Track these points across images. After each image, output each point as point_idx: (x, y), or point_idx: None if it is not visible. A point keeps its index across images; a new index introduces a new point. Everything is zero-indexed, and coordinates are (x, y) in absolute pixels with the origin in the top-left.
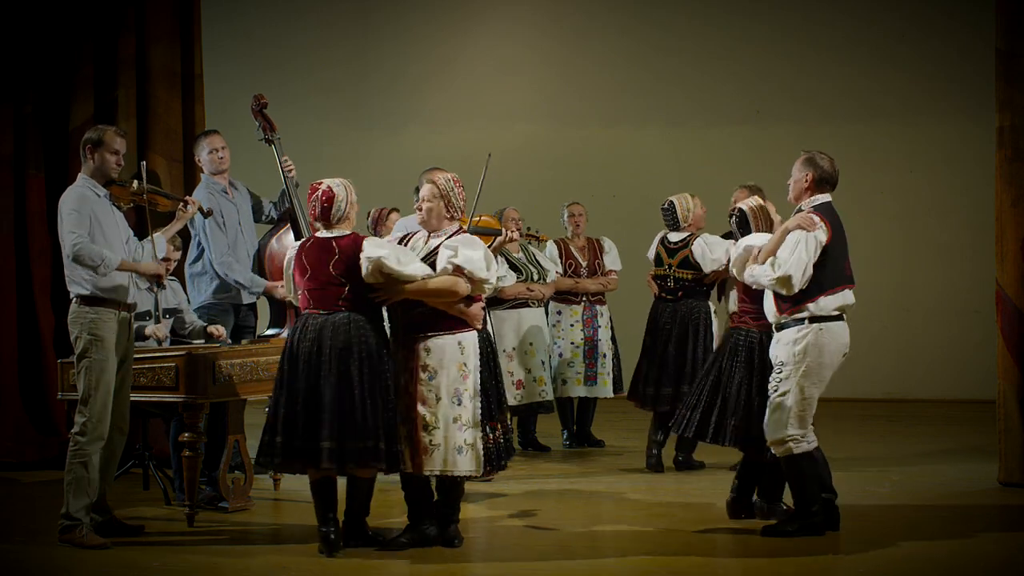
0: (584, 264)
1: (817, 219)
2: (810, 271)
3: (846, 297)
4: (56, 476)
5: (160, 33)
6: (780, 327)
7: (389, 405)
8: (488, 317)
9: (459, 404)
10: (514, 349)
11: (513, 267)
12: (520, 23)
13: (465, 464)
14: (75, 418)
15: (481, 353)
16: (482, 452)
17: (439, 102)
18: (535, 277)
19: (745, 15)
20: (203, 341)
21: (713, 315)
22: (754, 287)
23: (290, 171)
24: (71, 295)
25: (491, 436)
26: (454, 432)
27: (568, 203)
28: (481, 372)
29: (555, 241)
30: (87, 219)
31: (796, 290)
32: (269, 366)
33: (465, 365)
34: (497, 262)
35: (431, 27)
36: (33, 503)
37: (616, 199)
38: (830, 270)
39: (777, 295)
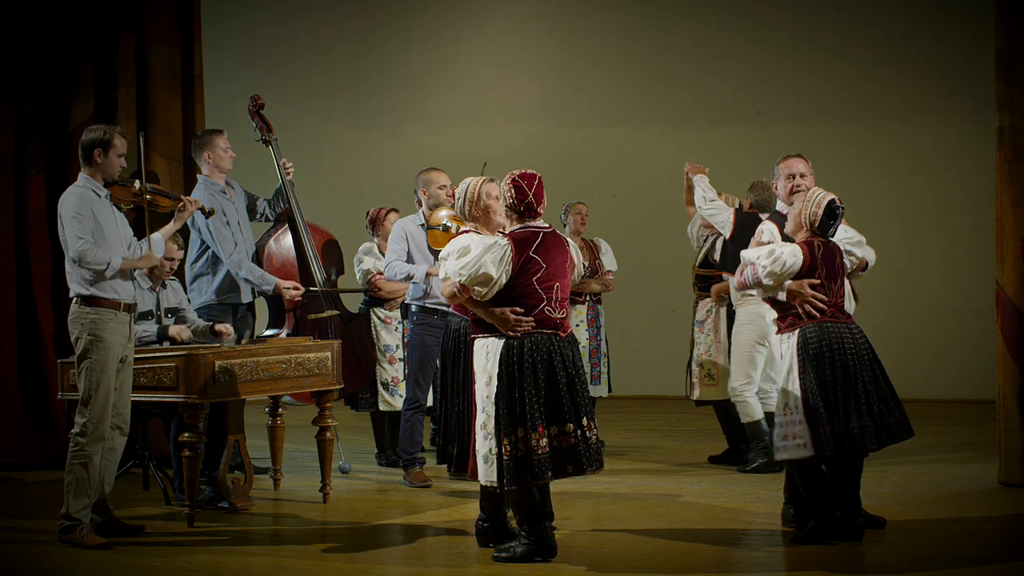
0: (587, 265)
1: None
2: None
3: None
4: (56, 476)
5: (160, 33)
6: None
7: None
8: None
9: (482, 411)
10: None
11: None
12: (520, 23)
13: (486, 474)
14: (75, 418)
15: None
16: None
17: (439, 102)
18: None
19: (745, 15)
20: (208, 340)
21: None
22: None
23: (287, 173)
24: (71, 295)
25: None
26: (479, 440)
27: (573, 202)
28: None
29: None
30: (89, 221)
31: None
32: (269, 366)
33: (487, 370)
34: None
35: (431, 27)
36: (33, 503)
37: (616, 199)
38: None
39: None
